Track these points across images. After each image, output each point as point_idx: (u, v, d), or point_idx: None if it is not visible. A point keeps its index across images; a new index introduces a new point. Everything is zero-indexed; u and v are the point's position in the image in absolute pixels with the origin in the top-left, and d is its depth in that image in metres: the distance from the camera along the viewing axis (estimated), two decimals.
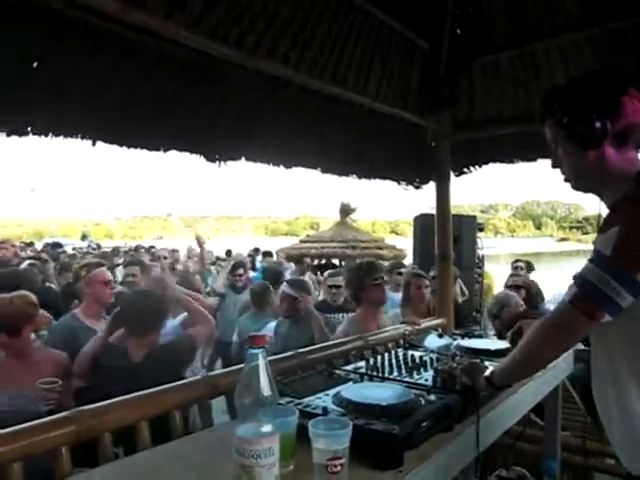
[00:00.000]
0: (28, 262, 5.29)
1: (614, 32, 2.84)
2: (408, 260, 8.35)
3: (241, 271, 5.70)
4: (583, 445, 2.71)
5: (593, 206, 1.43)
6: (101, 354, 2.45)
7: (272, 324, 4.09)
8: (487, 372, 1.52)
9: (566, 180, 1.42)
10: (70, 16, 1.94)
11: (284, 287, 3.76)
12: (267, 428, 1.01)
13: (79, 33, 2.02)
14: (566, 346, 1.37)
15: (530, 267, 6.87)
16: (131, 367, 2.33)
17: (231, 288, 5.61)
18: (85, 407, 1.48)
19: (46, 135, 2.03)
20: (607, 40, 2.88)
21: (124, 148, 2.29)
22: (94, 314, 3.05)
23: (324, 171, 3.30)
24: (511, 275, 4.75)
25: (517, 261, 6.95)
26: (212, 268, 8.44)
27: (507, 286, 4.29)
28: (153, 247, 12.67)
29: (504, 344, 2.07)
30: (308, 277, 7.27)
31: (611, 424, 1.37)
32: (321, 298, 5.26)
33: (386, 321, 3.23)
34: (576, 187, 1.42)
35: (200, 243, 5.93)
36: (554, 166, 1.44)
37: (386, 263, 8.00)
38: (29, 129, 1.96)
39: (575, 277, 1.28)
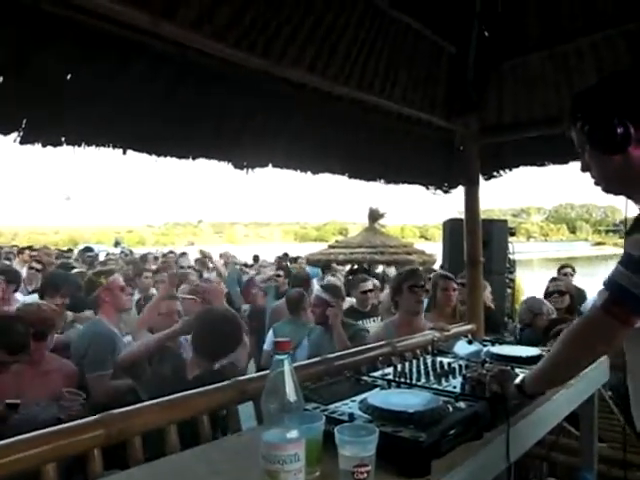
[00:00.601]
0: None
1: None
2: (437, 265, 8.27)
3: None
4: (622, 457, 2.62)
5: (631, 209, 1.39)
6: (158, 357, 2.43)
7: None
8: (517, 380, 1.49)
9: (596, 184, 1.40)
10: (101, 29, 2.00)
11: (317, 292, 3.75)
12: (293, 434, 1.02)
13: (109, 45, 2.08)
14: (598, 354, 1.34)
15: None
16: (182, 383, 2.24)
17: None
18: (115, 411, 1.51)
19: (79, 145, 2.08)
20: None
21: (154, 157, 2.33)
22: (113, 320, 3.14)
23: (351, 177, 3.29)
24: (552, 280, 4.48)
25: (565, 267, 6.49)
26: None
27: (548, 293, 4.13)
28: (185, 253, 12.83)
29: (536, 351, 2.03)
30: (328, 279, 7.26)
31: None
32: (349, 304, 5.25)
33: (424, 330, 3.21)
34: (606, 190, 1.40)
35: (205, 256, 6.03)
36: (583, 170, 1.41)
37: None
38: (63, 139, 2.02)
39: (605, 281, 1.25)
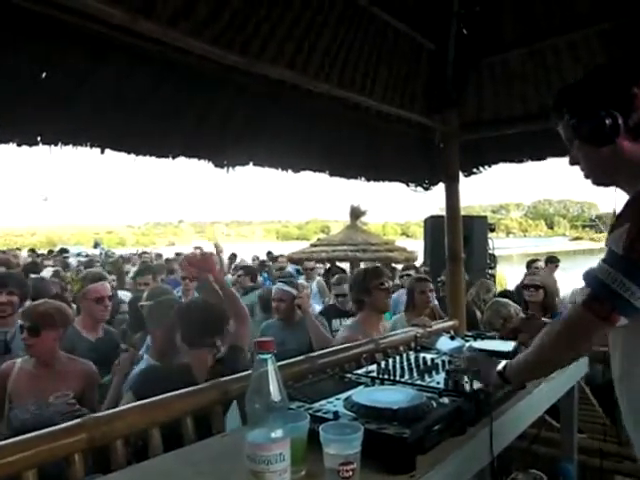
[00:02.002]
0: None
1: (625, 27, 2.80)
2: (419, 262, 8.32)
3: None
4: (601, 447, 2.67)
5: (606, 204, 1.40)
6: (162, 377, 2.21)
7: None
8: (500, 366, 1.49)
9: (586, 177, 1.39)
10: (77, 26, 1.96)
11: (280, 286, 3.70)
12: (277, 433, 1.01)
13: (86, 43, 2.04)
14: (580, 350, 1.34)
15: (555, 261, 6.55)
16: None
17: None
18: (97, 414, 1.49)
19: (55, 144, 2.05)
20: (618, 35, 2.85)
21: (132, 156, 2.30)
22: (90, 326, 3.08)
23: (332, 174, 3.30)
24: (528, 273, 4.53)
25: (535, 261, 6.50)
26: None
27: (524, 286, 4.18)
28: (161, 254, 12.73)
29: (517, 345, 2.05)
30: (317, 282, 7.23)
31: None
32: (331, 302, 5.26)
33: (387, 327, 3.21)
34: (596, 182, 1.39)
35: (218, 251, 5.95)
36: (572, 164, 1.41)
37: (399, 266, 7.98)
38: (38, 139, 1.99)
39: (585, 277, 1.25)
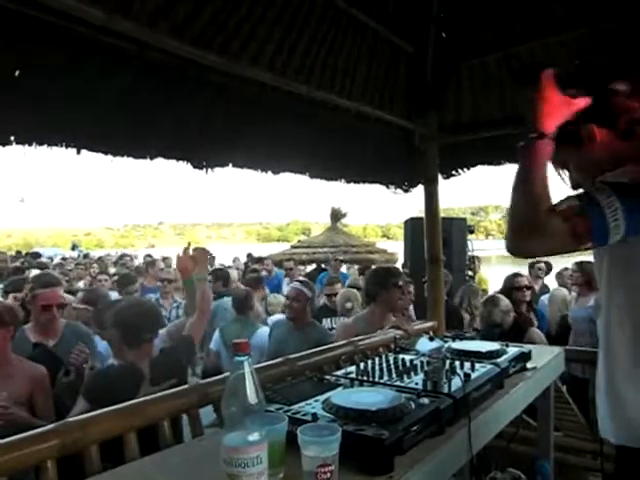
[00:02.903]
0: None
1: (601, 33, 2.86)
2: (399, 264, 8.36)
3: None
4: (576, 445, 2.71)
5: None
6: (111, 379, 2.27)
7: (264, 329, 4.01)
8: None
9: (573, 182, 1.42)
10: (53, 24, 1.92)
11: (296, 285, 3.66)
12: (254, 436, 1.00)
13: (63, 41, 2.01)
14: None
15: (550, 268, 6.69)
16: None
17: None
18: (70, 419, 1.46)
19: (30, 144, 2.01)
20: (594, 41, 2.90)
21: (109, 157, 2.27)
22: (39, 331, 2.97)
23: (312, 176, 3.29)
24: (514, 276, 4.58)
25: (538, 262, 6.44)
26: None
27: (519, 287, 4.22)
28: (136, 256, 12.59)
29: (496, 346, 2.07)
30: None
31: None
32: (322, 302, 5.29)
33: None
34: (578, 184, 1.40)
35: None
36: (574, 187, 1.42)
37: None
38: (12, 138, 1.94)
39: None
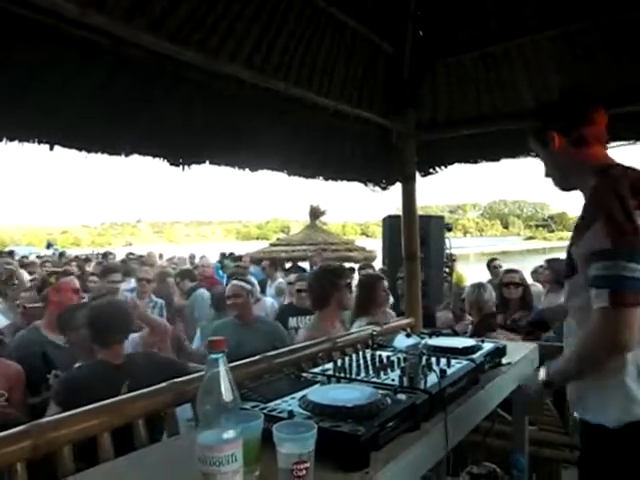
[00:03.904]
0: None
1: (572, 34, 2.92)
2: (378, 261, 8.41)
3: None
4: (549, 438, 2.76)
5: (558, 204, 1.55)
6: (82, 380, 2.28)
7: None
8: (542, 376, 1.66)
9: (555, 184, 1.71)
10: (26, 18, 1.88)
11: (235, 282, 3.64)
12: (228, 434, 0.99)
13: (35, 35, 1.96)
14: (628, 345, 1.38)
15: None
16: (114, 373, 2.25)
17: None
18: (43, 420, 1.43)
19: (0, 140, 1.96)
20: (566, 41, 2.97)
21: (83, 152, 2.23)
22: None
23: (290, 174, 3.28)
24: (507, 272, 4.67)
25: (494, 260, 7.05)
26: None
27: (504, 284, 4.25)
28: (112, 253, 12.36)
29: (471, 342, 2.10)
30: (278, 282, 7.20)
31: None
32: (287, 301, 5.26)
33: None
34: (561, 187, 1.71)
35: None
36: (546, 175, 1.73)
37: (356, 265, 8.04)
38: None
39: (595, 281, 1.36)
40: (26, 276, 6.06)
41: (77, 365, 2.50)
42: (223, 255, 11.21)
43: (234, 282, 3.68)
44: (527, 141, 1.78)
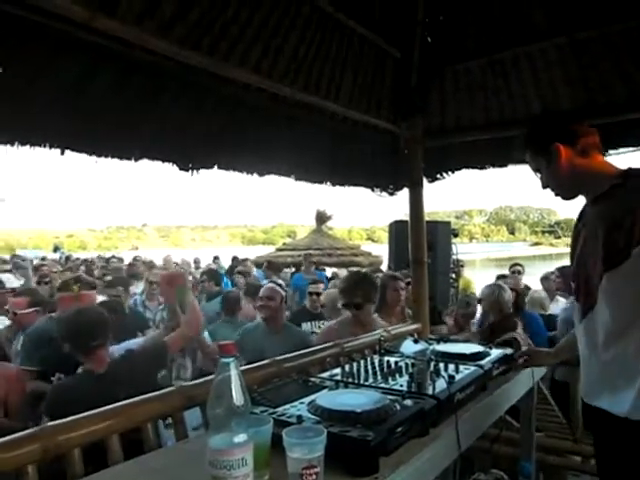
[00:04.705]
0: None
1: (580, 41, 2.92)
2: (384, 266, 8.39)
3: None
4: (556, 445, 2.75)
5: (565, 211, 1.55)
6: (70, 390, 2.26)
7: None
8: None
9: (557, 195, 1.72)
10: (37, 22, 1.90)
11: (271, 284, 3.59)
12: (239, 438, 1.00)
13: (47, 40, 1.98)
14: None
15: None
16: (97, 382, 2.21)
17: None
18: (52, 423, 1.44)
19: (12, 144, 1.98)
20: (573, 49, 2.97)
21: (94, 157, 2.25)
22: None
23: (298, 178, 3.29)
24: (499, 277, 4.72)
25: (515, 265, 7.15)
26: None
27: None
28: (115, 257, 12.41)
29: (479, 348, 2.09)
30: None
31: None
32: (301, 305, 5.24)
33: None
34: (565, 197, 1.72)
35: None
36: (544, 187, 1.75)
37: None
38: None
39: None
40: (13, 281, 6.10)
41: (62, 377, 2.49)
42: (236, 259, 11.19)
43: (270, 284, 3.59)
44: (525, 157, 1.79)
